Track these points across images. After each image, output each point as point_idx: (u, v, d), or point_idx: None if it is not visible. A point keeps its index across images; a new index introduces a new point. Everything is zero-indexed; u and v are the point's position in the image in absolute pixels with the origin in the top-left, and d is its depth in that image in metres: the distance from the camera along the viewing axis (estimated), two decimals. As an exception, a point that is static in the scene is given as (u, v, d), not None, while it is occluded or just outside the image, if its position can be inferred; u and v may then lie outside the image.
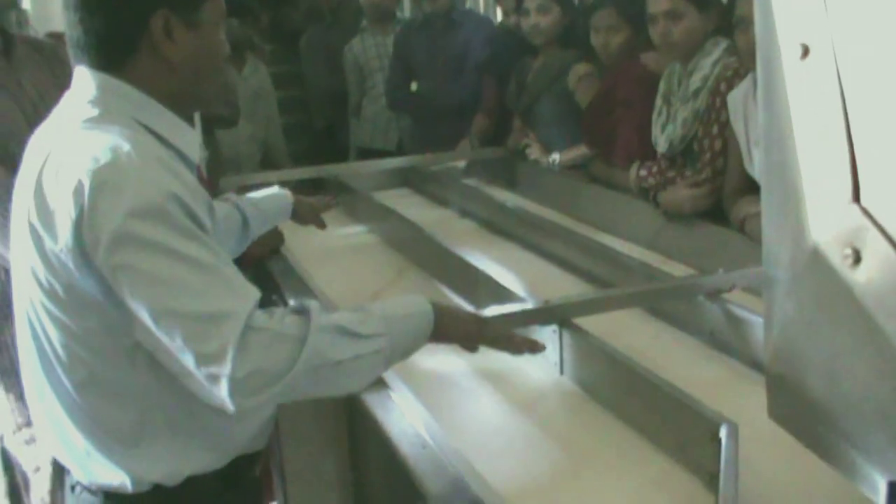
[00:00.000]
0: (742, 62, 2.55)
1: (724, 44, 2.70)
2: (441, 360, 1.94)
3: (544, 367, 1.94)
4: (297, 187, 3.56)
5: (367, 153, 4.49)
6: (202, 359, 1.21)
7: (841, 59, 0.73)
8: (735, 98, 2.53)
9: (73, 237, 1.25)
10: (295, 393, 1.29)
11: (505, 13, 4.09)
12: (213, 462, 1.48)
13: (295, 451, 2.08)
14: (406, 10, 5.81)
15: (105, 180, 1.24)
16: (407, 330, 1.43)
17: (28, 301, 1.38)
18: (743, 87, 2.51)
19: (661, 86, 2.88)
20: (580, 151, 3.34)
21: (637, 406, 1.71)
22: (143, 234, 1.22)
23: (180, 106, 1.43)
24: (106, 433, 1.40)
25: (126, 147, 1.27)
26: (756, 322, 1.93)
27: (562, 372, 1.91)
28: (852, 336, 0.77)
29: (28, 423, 1.95)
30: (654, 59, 3.01)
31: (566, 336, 1.89)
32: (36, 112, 1.89)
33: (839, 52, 0.73)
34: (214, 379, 1.21)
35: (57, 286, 1.31)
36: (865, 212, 0.72)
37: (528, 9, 3.44)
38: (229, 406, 1.23)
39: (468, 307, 2.17)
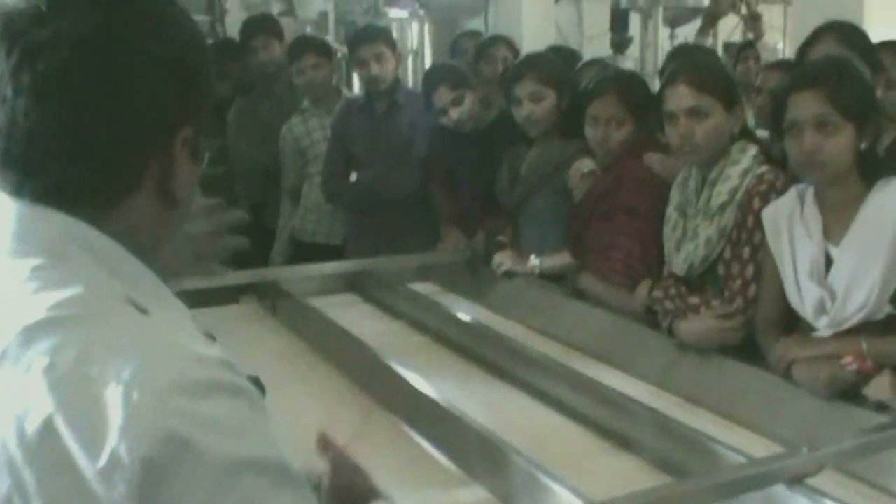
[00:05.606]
0: (786, 174, 2.14)
1: (752, 150, 2.29)
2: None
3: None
4: (228, 292, 3.04)
5: (308, 248, 3.92)
6: None
7: None
8: (775, 216, 2.12)
9: None
10: None
11: (441, 111, 3.33)
12: None
13: None
14: (356, 88, 5.19)
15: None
16: None
17: None
18: (786, 203, 2.10)
19: (675, 195, 2.44)
20: (566, 259, 2.86)
21: None
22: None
23: (152, 262, 0.95)
24: None
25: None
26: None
27: None
28: None
29: None
30: (659, 161, 2.59)
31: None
32: None
33: None
34: None
35: None
36: None
37: (519, 97, 2.95)
38: None
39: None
